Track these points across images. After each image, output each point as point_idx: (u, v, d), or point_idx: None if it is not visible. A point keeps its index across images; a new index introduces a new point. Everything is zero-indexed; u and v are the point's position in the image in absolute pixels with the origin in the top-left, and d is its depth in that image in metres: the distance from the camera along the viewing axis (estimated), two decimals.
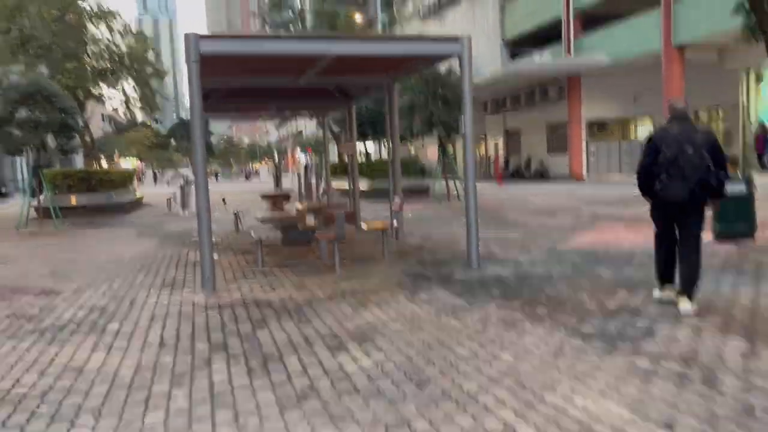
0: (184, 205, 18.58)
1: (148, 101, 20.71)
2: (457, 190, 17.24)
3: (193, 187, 19.99)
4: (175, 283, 7.05)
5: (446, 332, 4.64)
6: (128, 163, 73.63)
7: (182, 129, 78.03)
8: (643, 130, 26.00)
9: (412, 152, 35.13)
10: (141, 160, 76.22)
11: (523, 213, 13.41)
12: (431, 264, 7.61)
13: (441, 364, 3.95)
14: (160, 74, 20.90)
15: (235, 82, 9.33)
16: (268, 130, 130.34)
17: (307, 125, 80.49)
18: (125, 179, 22.43)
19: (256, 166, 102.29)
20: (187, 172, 25.97)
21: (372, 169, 21.64)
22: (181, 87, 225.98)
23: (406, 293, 6.04)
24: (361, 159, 31.75)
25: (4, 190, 35.04)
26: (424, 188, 21.90)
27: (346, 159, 28.09)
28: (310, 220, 8.98)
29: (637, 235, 9.21)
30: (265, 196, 13.88)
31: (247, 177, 75.27)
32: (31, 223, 14.86)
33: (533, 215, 12.87)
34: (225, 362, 4.13)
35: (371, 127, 22.40)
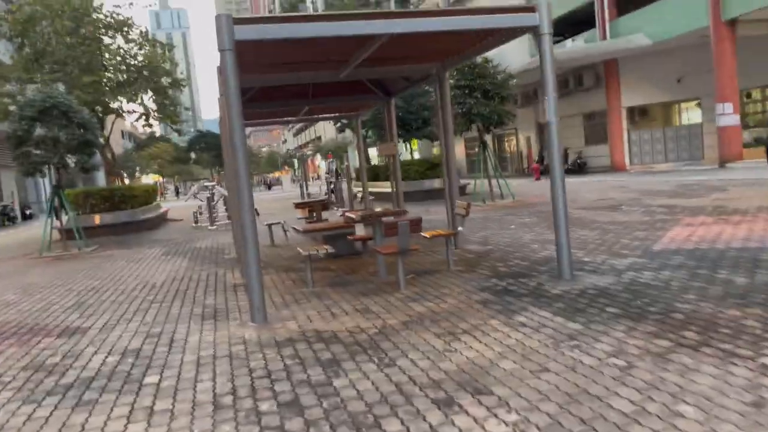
0: (212, 218, 17.74)
1: (168, 113, 19.88)
2: (500, 188, 16.08)
3: (218, 199, 19.08)
4: (218, 312, 6.05)
5: (582, 373, 3.55)
6: (149, 178, 73.55)
7: (202, 141, 77.84)
8: (689, 114, 24.60)
9: (436, 151, 33.97)
10: (162, 175, 76.11)
11: (583, 209, 12.24)
12: (510, 275, 6.52)
13: (604, 427, 2.86)
14: (178, 84, 20.06)
15: (266, 80, 8.35)
16: (285, 139, 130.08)
17: (326, 131, 79.87)
18: (149, 195, 21.69)
19: (275, 174, 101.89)
20: (211, 184, 25.24)
21: (402, 170, 20.57)
22: (197, 99, 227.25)
23: (498, 315, 4.96)
24: (382, 161, 30.59)
25: (29, 212, 34.68)
26: (459, 187, 20.80)
27: (373, 162, 26.92)
28: (362, 230, 7.95)
29: (736, 228, 8.02)
30: (300, 204, 12.91)
31: (269, 187, 74.65)
32: (54, 246, 14.07)
33: (596, 211, 11.69)
34: None
35: (400, 127, 21.31)
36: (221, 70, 5.20)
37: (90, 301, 7.25)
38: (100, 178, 48.50)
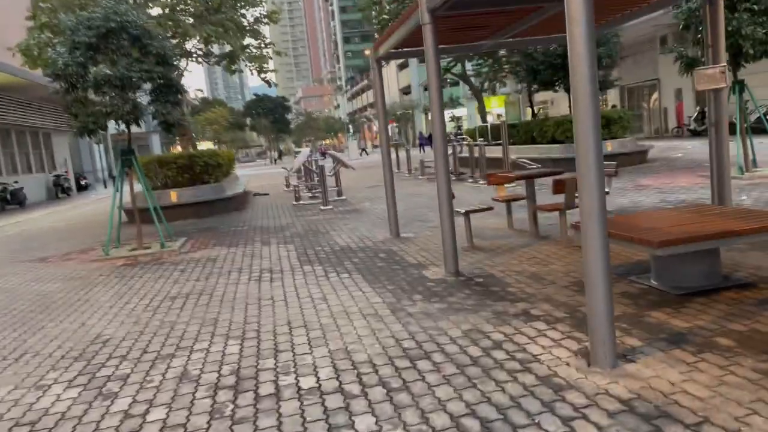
0: (326, 197, 13.07)
1: (260, 54, 15.28)
2: (753, 153, 10.89)
3: (336, 168, 14.56)
4: None
5: None
6: (203, 145, 69.99)
7: (258, 106, 73.68)
8: None
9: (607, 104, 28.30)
10: (219, 141, 72.62)
11: None
12: None
13: None
14: (271, 18, 15.39)
15: None
16: (338, 104, 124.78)
17: (390, 93, 74.77)
18: (230, 164, 17.29)
19: (327, 141, 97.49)
20: (307, 149, 20.86)
21: (560, 129, 15.55)
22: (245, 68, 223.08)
23: None
24: (514, 118, 24.44)
25: (84, 182, 31.09)
26: (640, 151, 15.66)
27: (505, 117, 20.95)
28: None
29: None
30: (503, 177, 8.12)
31: (323, 155, 69.65)
32: (123, 233, 9.80)
33: None
34: None
35: (554, 73, 16.22)
36: None
37: None
38: (155, 144, 43.70)
